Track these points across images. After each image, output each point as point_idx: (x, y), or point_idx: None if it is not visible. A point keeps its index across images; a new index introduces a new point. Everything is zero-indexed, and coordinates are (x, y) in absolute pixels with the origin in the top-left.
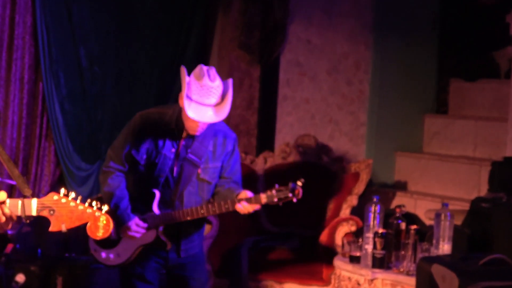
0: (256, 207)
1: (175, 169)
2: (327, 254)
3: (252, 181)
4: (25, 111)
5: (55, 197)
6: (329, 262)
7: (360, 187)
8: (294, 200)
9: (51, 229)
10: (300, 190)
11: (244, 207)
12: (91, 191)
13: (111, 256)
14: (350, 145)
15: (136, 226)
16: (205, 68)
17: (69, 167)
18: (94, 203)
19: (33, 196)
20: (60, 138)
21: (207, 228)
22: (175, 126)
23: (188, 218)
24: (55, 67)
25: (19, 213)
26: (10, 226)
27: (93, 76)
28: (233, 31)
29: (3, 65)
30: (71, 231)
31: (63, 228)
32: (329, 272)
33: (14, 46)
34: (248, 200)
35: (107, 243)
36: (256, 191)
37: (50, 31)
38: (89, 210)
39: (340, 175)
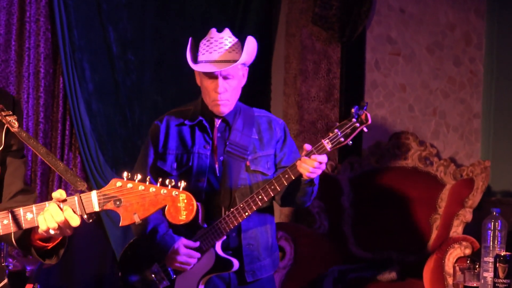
0: (322, 159)
1: (216, 167)
2: (435, 285)
3: (335, 193)
4: (42, 114)
5: (119, 183)
6: None
7: (475, 198)
8: (365, 129)
9: (122, 223)
10: (367, 114)
11: (306, 163)
12: None
13: None
14: (461, 143)
15: (186, 249)
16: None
17: (101, 184)
18: (167, 181)
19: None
20: (87, 147)
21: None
22: (202, 117)
23: (246, 214)
24: (79, 56)
25: (78, 212)
26: (72, 230)
27: (127, 66)
28: (304, 0)
29: (13, 57)
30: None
31: (136, 219)
32: None
33: (25, 32)
34: (308, 153)
35: None
36: (340, 206)
37: (71, 9)
38: (163, 191)
39: (448, 182)
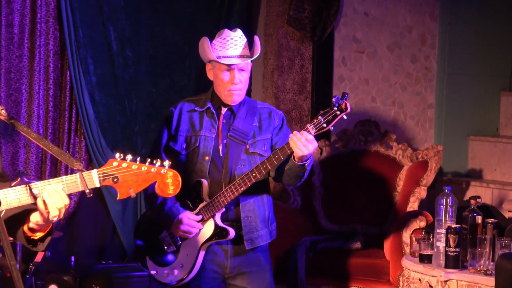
0: (309, 137)
1: (220, 148)
2: (394, 254)
3: None
4: (51, 104)
5: (115, 163)
6: (397, 263)
7: (429, 177)
8: (345, 116)
9: (119, 197)
10: (347, 103)
11: (296, 136)
12: None
13: (176, 271)
14: (416, 130)
15: (189, 219)
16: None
17: (103, 164)
18: (154, 161)
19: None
20: (91, 132)
21: None
22: (211, 104)
23: (241, 189)
24: (83, 52)
25: (80, 188)
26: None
27: (125, 61)
28: (280, 4)
29: (26, 53)
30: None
31: (132, 193)
32: (397, 273)
33: (37, 31)
34: (299, 131)
35: (167, 258)
36: (312, 184)
37: (76, 11)
38: (153, 169)
39: (406, 164)
